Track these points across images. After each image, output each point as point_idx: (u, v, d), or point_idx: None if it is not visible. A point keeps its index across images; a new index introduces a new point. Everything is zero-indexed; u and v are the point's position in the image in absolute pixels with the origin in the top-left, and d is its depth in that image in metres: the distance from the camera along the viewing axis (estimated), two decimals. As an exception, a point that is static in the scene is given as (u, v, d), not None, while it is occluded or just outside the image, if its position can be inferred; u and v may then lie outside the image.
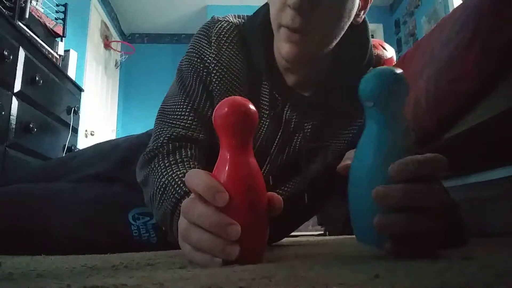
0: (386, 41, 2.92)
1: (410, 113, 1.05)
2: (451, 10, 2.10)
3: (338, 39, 0.62)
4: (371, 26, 0.70)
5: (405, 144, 0.36)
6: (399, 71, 0.36)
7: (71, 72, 2.18)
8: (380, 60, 1.76)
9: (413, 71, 1.14)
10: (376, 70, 0.36)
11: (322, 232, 2.17)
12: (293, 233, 1.30)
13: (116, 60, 4.67)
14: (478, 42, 0.81)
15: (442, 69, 0.94)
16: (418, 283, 0.22)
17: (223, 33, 0.69)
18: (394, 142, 0.36)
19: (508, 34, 0.74)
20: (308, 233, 2.41)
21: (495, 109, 0.82)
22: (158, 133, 0.66)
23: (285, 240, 1.11)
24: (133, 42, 4.91)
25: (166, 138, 0.64)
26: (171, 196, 0.53)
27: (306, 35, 0.56)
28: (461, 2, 1.05)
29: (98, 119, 3.94)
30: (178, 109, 0.67)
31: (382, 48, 1.81)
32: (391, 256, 0.38)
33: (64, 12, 2.23)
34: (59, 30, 2.09)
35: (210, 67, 0.68)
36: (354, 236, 0.39)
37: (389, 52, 1.82)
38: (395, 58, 1.84)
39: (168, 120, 0.67)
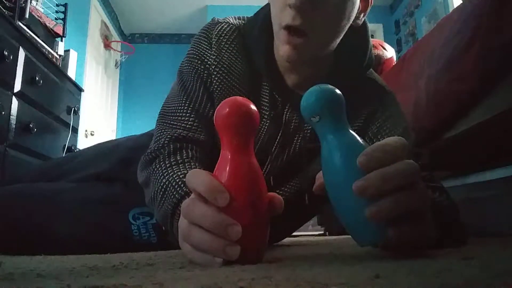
0: (386, 41, 2.92)
1: (410, 113, 1.05)
2: (451, 10, 2.10)
3: (338, 40, 0.62)
4: (371, 26, 0.70)
5: (362, 140, 0.39)
6: (326, 85, 0.40)
7: (71, 72, 2.17)
8: (380, 60, 1.76)
9: (413, 71, 1.14)
10: (309, 90, 0.40)
11: (322, 232, 2.17)
12: (293, 233, 1.30)
13: (116, 60, 4.66)
14: (478, 42, 0.81)
15: (442, 69, 0.94)
16: (418, 283, 0.22)
17: (223, 35, 0.69)
18: (353, 141, 0.39)
19: (508, 34, 0.75)
20: (308, 233, 2.41)
21: (495, 109, 0.82)
22: (159, 134, 0.66)
23: (285, 240, 1.11)
24: (133, 42, 4.91)
25: (167, 139, 0.64)
26: (172, 196, 0.53)
27: (306, 35, 0.57)
28: (461, 2, 1.05)
29: (98, 119, 3.94)
30: (179, 111, 0.67)
31: (382, 48, 1.81)
32: (395, 247, 0.38)
33: (64, 12, 2.23)
34: (59, 30, 2.09)
35: (210, 68, 0.68)
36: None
37: (389, 52, 1.82)
38: (395, 58, 1.84)
39: (169, 122, 0.67)
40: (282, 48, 0.59)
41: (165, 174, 0.57)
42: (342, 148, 0.38)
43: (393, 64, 1.72)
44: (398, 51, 4.07)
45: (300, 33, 0.56)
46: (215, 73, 0.67)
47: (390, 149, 0.37)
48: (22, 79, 1.54)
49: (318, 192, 0.42)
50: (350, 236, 0.40)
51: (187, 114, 0.67)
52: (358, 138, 0.39)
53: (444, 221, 0.50)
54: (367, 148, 0.37)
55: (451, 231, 0.53)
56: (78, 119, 2.17)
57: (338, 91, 0.39)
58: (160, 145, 0.64)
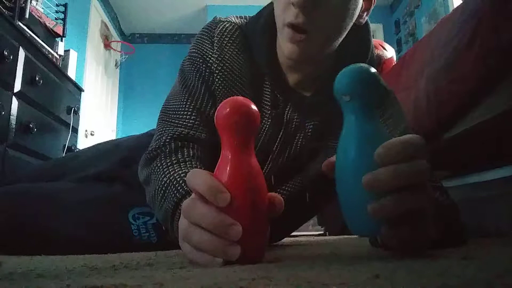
0: (386, 41, 2.92)
1: (410, 113, 1.05)
2: (451, 10, 2.10)
3: (341, 39, 0.62)
4: (371, 26, 0.70)
5: (384, 132, 0.39)
6: (371, 67, 0.39)
7: (71, 72, 2.17)
8: (380, 60, 1.76)
9: (413, 71, 1.14)
10: (349, 67, 0.39)
11: (322, 232, 2.16)
12: (293, 233, 1.30)
13: (116, 60, 4.66)
14: (478, 42, 0.81)
15: (442, 69, 0.94)
16: (418, 283, 0.22)
17: (225, 34, 0.69)
18: (374, 131, 0.38)
19: (508, 34, 0.74)
20: (308, 233, 2.41)
21: (495, 109, 0.82)
22: (160, 133, 0.66)
23: (285, 240, 1.11)
24: (133, 42, 4.91)
25: (168, 137, 0.64)
26: (172, 195, 0.53)
27: (309, 34, 0.57)
28: (461, 2, 1.05)
29: (98, 119, 3.94)
30: (180, 109, 0.67)
31: (382, 48, 1.81)
32: (395, 246, 0.38)
33: (64, 12, 2.23)
34: (59, 30, 2.09)
35: (212, 67, 0.68)
36: (354, 236, 0.40)
37: (389, 52, 1.82)
38: (395, 58, 1.84)
39: (170, 120, 0.67)
40: (285, 46, 0.59)
41: (166, 173, 0.57)
42: (363, 134, 0.38)
43: (393, 64, 1.72)
44: (398, 51, 4.07)
45: (303, 31, 0.57)
46: (217, 71, 0.67)
47: (409, 146, 0.36)
48: (22, 79, 1.54)
49: (326, 170, 0.41)
50: (350, 236, 0.40)
51: (189, 113, 0.67)
52: (382, 127, 0.39)
53: (444, 221, 0.50)
54: (388, 141, 0.36)
55: (451, 231, 0.53)
56: (78, 119, 2.17)
57: (374, 73, 0.38)
58: (161, 143, 0.64)
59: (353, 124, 0.38)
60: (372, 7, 0.65)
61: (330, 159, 0.41)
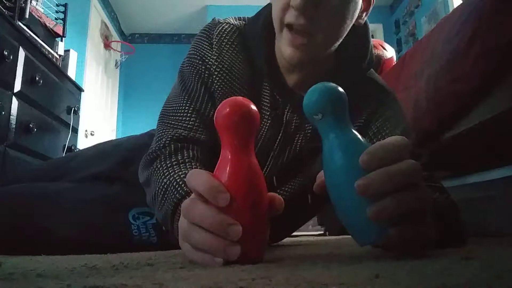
0: (386, 41, 2.92)
1: (410, 113, 1.05)
2: (451, 10, 2.10)
3: (341, 40, 0.62)
4: (371, 26, 0.71)
5: (364, 139, 0.39)
6: (330, 83, 0.40)
7: (71, 72, 2.17)
8: (380, 60, 1.76)
9: (413, 71, 1.14)
10: (313, 87, 0.39)
11: (322, 232, 2.17)
12: (293, 233, 1.30)
13: (116, 60, 4.66)
14: (478, 42, 0.81)
15: (442, 69, 0.94)
16: (418, 283, 0.22)
17: (224, 35, 0.69)
18: (355, 140, 0.39)
19: (508, 34, 0.75)
20: (308, 233, 2.41)
21: (495, 109, 0.82)
22: (160, 134, 0.66)
23: (285, 240, 1.11)
24: (133, 42, 4.91)
25: (168, 139, 0.64)
26: (172, 196, 0.53)
27: (309, 36, 0.57)
28: (461, 2, 1.05)
29: (98, 119, 3.94)
30: (180, 111, 0.67)
31: (382, 48, 1.81)
32: (395, 247, 0.38)
33: (64, 12, 2.23)
34: (59, 30, 2.09)
35: (211, 68, 0.68)
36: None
37: (389, 52, 1.82)
38: (395, 58, 1.84)
39: (170, 122, 0.67)
40: (285, 50, 0.59)
41: (166, 174, 0.57)
42: (344, 146, 0.38)
43: (393, 64, 1.72)
44: (398, 51, 4.07)
45: (303, 34, 0.56)
46: (216, 73, 0.67)
47: (392, 148, 0.37)
48: (22, 79, 1.54)
49: (318, 191, 0.42)
50: (350, 236, 0.40)
51: (188, 114, 0.67)
52: (360, 137, 0.39)
53: (444, 221, 0.50)
54: (370, 147, 0.37)
55: (451, 231, 0.53)
56: (78, 119, 2.17)
57: (341, 89, 0.39)
58: (161, 145, 0.64)
59: (333, 139, 0.39)
60: (371, 8, 0.65)
61: (319, 179, 0.42)
